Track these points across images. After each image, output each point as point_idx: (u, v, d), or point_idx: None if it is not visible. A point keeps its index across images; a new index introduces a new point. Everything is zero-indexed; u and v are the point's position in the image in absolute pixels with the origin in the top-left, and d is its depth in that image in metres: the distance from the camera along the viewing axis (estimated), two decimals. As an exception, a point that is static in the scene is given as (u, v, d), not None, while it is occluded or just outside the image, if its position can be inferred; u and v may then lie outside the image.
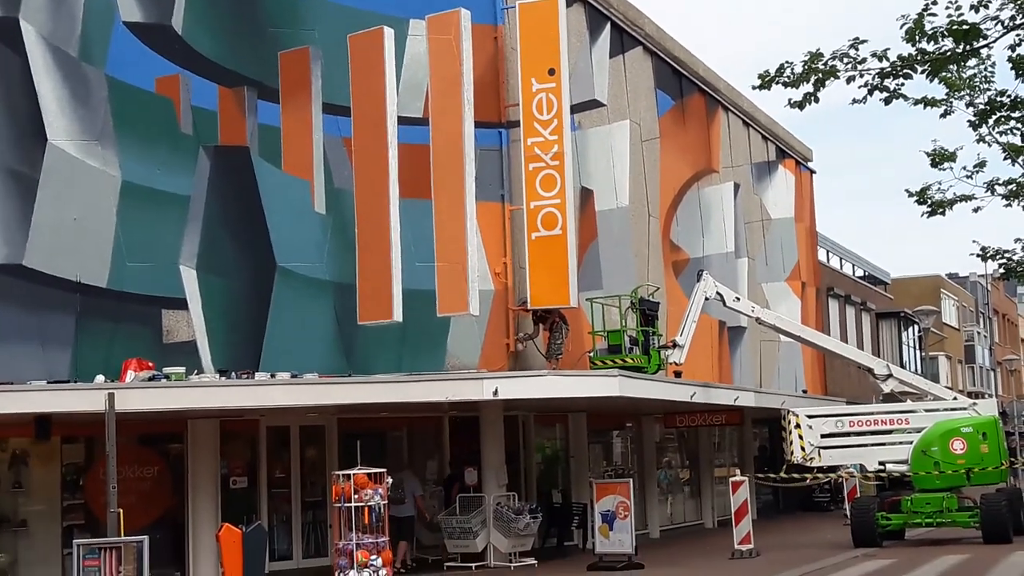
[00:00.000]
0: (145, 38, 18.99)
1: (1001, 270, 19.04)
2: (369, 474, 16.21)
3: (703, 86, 30.11)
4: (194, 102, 19.17)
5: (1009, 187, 17.41)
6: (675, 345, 22.11)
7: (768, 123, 34.97)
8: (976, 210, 17.34)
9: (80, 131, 18.48)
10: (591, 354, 21.48)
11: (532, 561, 20.60)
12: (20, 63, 18.30)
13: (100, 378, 17.22)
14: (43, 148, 18.23)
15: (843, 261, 49.39)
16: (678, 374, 22.46)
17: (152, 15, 19.08)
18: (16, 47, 18.29)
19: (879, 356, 36.00)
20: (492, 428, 21.41)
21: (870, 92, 12.66)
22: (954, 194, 17.26)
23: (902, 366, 42.40)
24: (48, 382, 17.18)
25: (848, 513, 25.07)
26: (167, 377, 17.51)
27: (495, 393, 18.39)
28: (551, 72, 20.22)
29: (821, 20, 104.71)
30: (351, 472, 16.19)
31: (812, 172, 39.44)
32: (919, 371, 46.41)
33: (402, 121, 19.18)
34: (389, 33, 18.96)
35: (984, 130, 15.94)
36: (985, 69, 15.36)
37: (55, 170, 18.24)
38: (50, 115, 18.33)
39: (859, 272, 51.78)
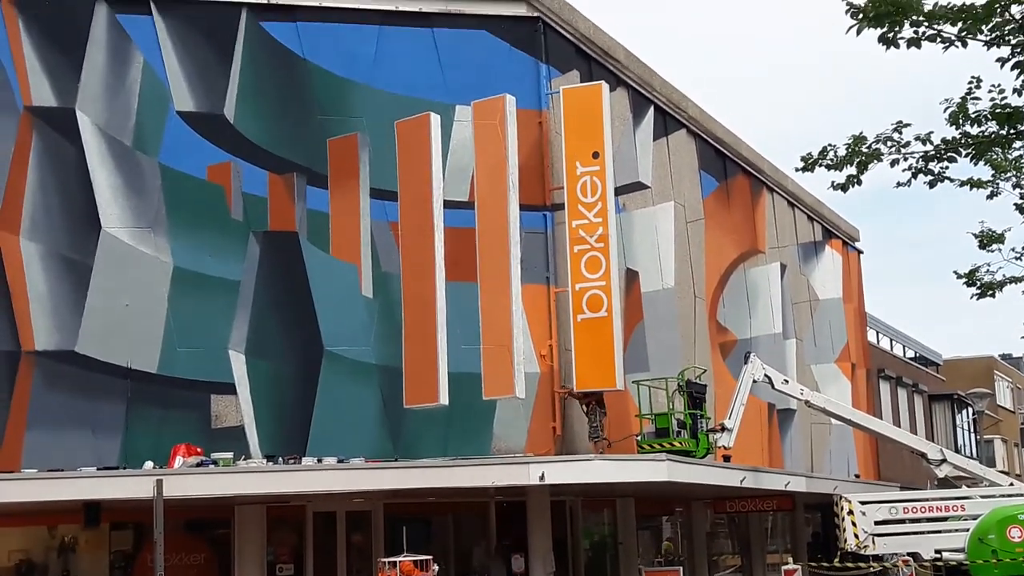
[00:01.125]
0: (198, 127, 19.39)
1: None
2: (415, 561, 16.11)
3: (747, 167, 30.18)
4: (245, 188, 19.49)
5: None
6: (723, 429, 21.91)
7: (814, 203, 34.92)
8: (1027, 291, 17.14)
9: (133, 218, 18.82)
10: (638, 438, 21.33)
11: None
12: (76, 152, 18.75)
13: (149, 464, 17.34)
14: (97, 236, 18.59)
15: (893, 342, 48.91)
16: (727, 458, 22.21)
17: (204, 105, 19.49)
18: (72, 137, 18.75)
19: (932, 440, 35.49)
20: (539, 513, 21.24)
21: (914, 175, 12.66)
22: (1003, 276, 17.09)
23: (956, 450, 41.73)
24: (98, 468, 17.31)
25: (903, 601, 24.51)
26: (215, 463, 17.58)
27: (542, 478, 18.27)
28: (595, 155, 20.36)
29: (864, 101, 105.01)
30: (397, 559, 16.09)
31: (859, 252, 39.26)
32: (974, 455, 45.63)
33: (448, 205, 19.36)
34: (435, 119, 19.22)
35: (1031, 211, 15.80)
36: (1031, 151, 15.30)
37: (109, 257, 18.56)
38: (104, 203, 18.72)
39: (910, 353, 51.22)
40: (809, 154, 12.90)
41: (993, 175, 15.50)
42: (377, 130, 20.04)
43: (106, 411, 18.35)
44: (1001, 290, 16.96)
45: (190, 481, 17.03)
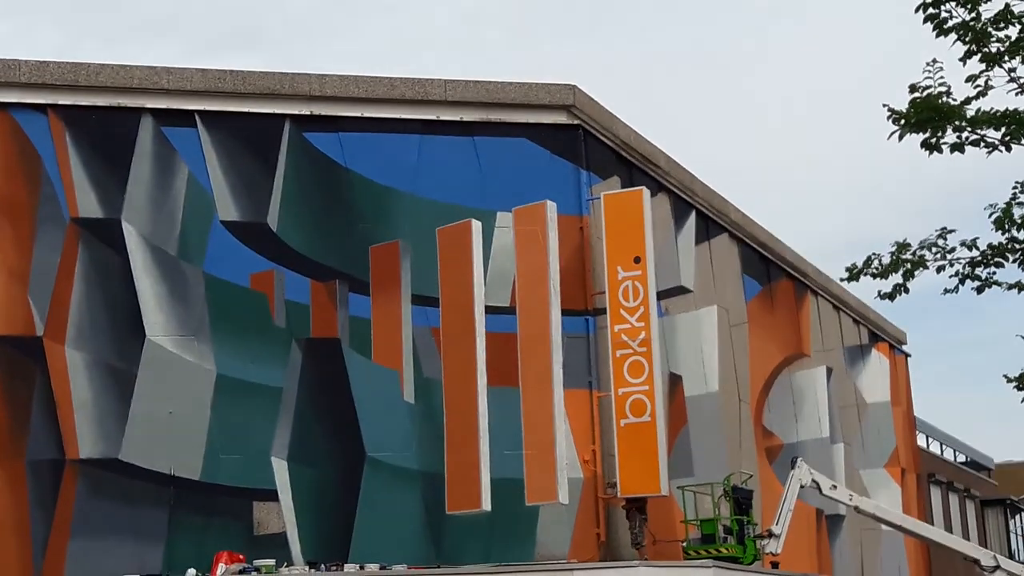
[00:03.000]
0: (241, 236, 19.63)
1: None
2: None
3: (791, 270, 30.10)
4: (287, 296, 19.64)
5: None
6: (771, 535, 21.54)
7: (859, 306, 34.69)
8: (1079, 396, 16.85)
9: (177, 327, 18.99)
10: (684, 544, 21.02)
11: None
12: (121, 262, 19.01)
13: (192, 572, 17.27)
14: (141, 344, 18.75)
15: (944, 447, 48.14)
16: (775, 565, 21.81)
17: (248, 214, 19.75)
18: (118, 247, 19.03)
19: (985, 546, 34.73)
20: (584, 622, 20.84)
21: (961, 281, 12.57)
22: (1054, 379, 16.83)
23: (1010, 556, 40.80)
24: (140, 577, 17.25)
25: None
26: (257, 570, 17.47)
27: (586, 586, 18.01)
28: (637, 260, 20.37)
29: (906, 201, 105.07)
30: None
31: (907, 355, 38.87)
32: (1029, 559, 44.56)
33: (490, 310, 19.39)
34: (477, 226, 19.36)
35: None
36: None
37: (152, 365, 18.70)
38: (149, 312, 18.91)
39: (961, 458, 50.38)
40: (854, 264, 12.88)
41: (1042, 279, 15.35)
42: (418, 237, 20.19)
43: (149, 519, 18.34)
44: (1052, 393, 16.70)
45: (231, 590, 16.90)
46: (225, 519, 18.65)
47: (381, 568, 18.01)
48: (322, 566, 18.00)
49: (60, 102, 19.37)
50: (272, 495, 18.95)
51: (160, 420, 18.60)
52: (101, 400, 18.58)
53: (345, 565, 18.18)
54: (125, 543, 18.18)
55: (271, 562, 17.70)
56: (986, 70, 12.95)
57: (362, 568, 17.98)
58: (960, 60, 13.01)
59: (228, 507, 18.74)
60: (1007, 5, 12.75)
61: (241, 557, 17.70)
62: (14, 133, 19.21)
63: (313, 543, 18.92)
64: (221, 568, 17.43)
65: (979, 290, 12.71)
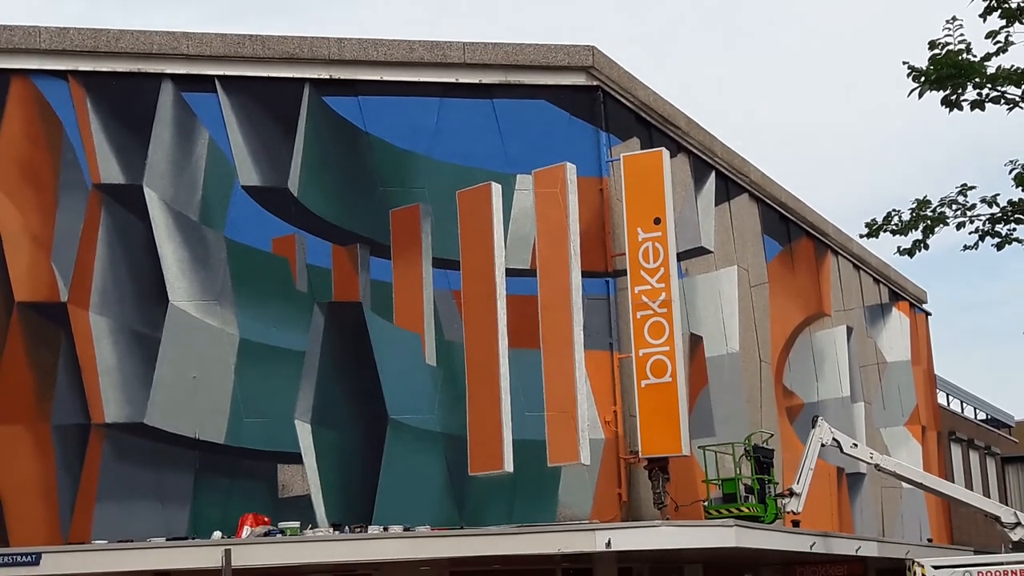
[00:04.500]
0: (262, 201, 19.71)
1: None
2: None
3: (811, 230, 30.04)
4: (309, 260, 19.74)
5: None
6: (792, 493, 21.62)
7: (879, 266, 34.64)
8: (1099, 351, 16.87)
9: (200, 292, 19.13)
10: (706, 503, 21.13)
11: None
12: (143, 228, 19.14)
13: (217, 534, 17.49)
14: (165, 309, 18.92)
15: (964, 404, 48.10)
16: (796, 523, 21.91)
17: (269, 179, 19.82)
18: (140, 213, 19.16)
19: (1006, 503, 34.77)
20: (606, 581, 21.01)
21: (981, 238, 12.56)
22: (1076, 335, 16.82)
23: (1031, 512, 40.75)
24: (167, 539, 17.48)
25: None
26: (282, 532, 17.68)
27: (608, 545, 18.13)
28: (657, 221, 20.38)
29: (927, 161, 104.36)
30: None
31: (927, 314, 38.80)
32: (1050, 517, 44.59)
33: (510, 273, 19.45)
34: (497, 189, 19.39)
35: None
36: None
37: (176, 330, 18.86)
38: (172, 277, 19.06)
39: (981, 415, 50.34)
40: (873, 220, 12.87)
41: (1062, 236, 15.31)
42: (439, 200, 20.23)
43: (174, 482, 18.57)
44: (1073, 350, 16.70)
45: (258, 551, 17.13)
46: (250, 482, 18.85)
47: (404, 529, 18.17)
48: (346, 528, 18.19)
49: (81, 68, 19.44)
50: (296, 458, 19.14)
51: (184, 384, 18.79)
52: (125, 365, 18.76)
53: (369, 527, 18.36)
54: (151, 506, 18.43)
55: (296, 524, 17.91)
56: (1006, 26, 12.89)
57: (386, 529, 18.16)
58: (980, 16, 12.95)
59: (253, 470, 18.93)
60: (1029, -40, 12.67)
61: (266, 519, 17.91)
62: (36, 99, 19.31)
63: (337, 505, 19.11)
64: (246, 530, 17.65)
65: (999, 246, 12.71)
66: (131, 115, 19.51)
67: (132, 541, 17.30)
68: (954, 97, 12.37)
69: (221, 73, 19.90)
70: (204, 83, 19.83)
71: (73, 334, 18.71)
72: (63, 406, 18.56)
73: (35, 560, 16.49)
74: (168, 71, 19.72)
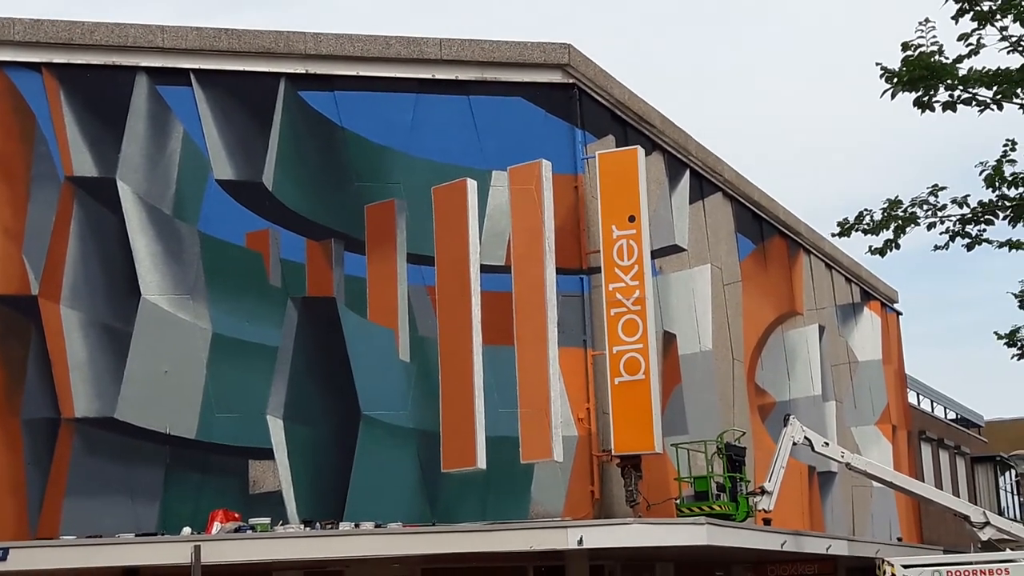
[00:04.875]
0: (236, 195, 19.64)
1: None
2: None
3: (784, 229, 30.16)
4: (283, 255, 19.68)
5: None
6: (763, 491, 21.71)
7: (851, 265, 34.81)
8: (1068, 353, 16.99)
9: (173, 286, 19.04)
10: (678, 501, 21.18)
11: None
12: (116, 221, 19.05)
13: (187, 530, 17.41)
14: (136, 303, 18.83)
15: (934, 404, 48.42)
16: (768, 521, 21.99)
17: (243, 173, 19.75)
18: (113, 206, 19.06)
19: (975, 503, 34.99)
20: (578, 578, 21.03)
21: (952, 238, 12.65)
22: (1045, 336, 16.95)
23: (1000, 513, 41.14)
24: (136, 534, 17.39)
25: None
26: (253, 528, 17.61)
27: (580, 542, 18.15)
28: (631, 219, 20.42)
29: (899, 162, 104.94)
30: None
31: (899, 314, 39.02)
32: (1017, 518, 44.97)
33: (485, 269, 19.46)
34: (472, 185, 19.39)
35: (1072, 272, 15.74)
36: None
37: (148, 324, 18.77)
38: (144, 271, 18.97)
39: (951, 415, 50.69)
40: (846, 219, 12.94)
41: (1032, 236, 15.43)
42: (414, 196, 20.21)
43: (144, 477, 18.48)
44: (1043, 351, 16.83)
45: (228, 547, 17.06)
46: (220, 477, 18.78)
47: (376, 526, 18.14)
48: (317, 524, 18.14)
49: (55, 60, 19.32)
50: (268, 453, 19.08)
51: (156, 379, 18.69)
52: (96, 359, 18.65)
53: (340, 523, 18.32)
54: (121, 501, 18.32)
55: (266, 520, 17.85)
56: (978, 28, 12.98)
57: (357, 526, 18.12)
58: (952, 18, 13.04)
59: (223, 465, 18.86)
60: (1000, -37, 12.76)
61: (236, 515, 17.84)
62: (9, 91, 19.17)
63: (308, 501, 19.06)
64: (216, 526, 17.58)
65: (969, 247, 12.81)
66: (105, 108, 19.39)
67: (101, 537, 17.20)
68: (926, 98, 12.46)
69: (196, 67, 19.82)
70: (179, 76, 19.73)
71: (44, 327, 18.59)
72: (33, 400, 18.44)
73: (2, 555, 16.38)
74: (143, 64, 19.62)
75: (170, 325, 18.91)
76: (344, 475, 19.39)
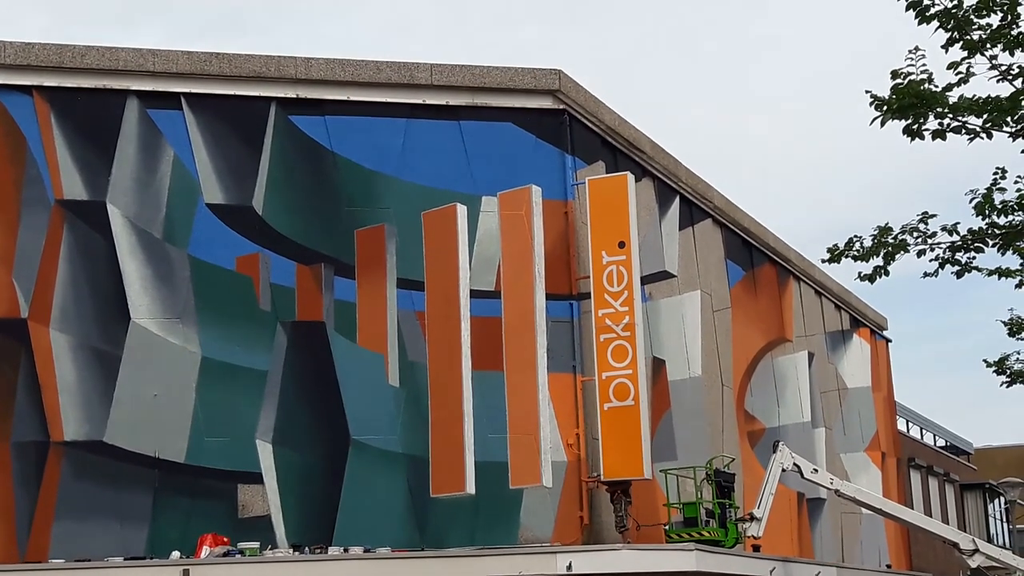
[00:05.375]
0: (227, 219, 19.65)
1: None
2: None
3: (774, 256, 30.24)
4: (273, 279, 19.68)
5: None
6: (752, 518, 21.69)
7: (841, 292, 34.89)
8: (1057, 381, 17.06)
9: (162, 310, 19.02)
10: (666, 527, 21.16)
11: None
12: (106, 245, 19.04)
13: (176, 554, 17.34)
14: (126, 326, 18.80)
15: (924, 431, 48.48)
16: (757, 548, 21.97)
17: (234, 197, 19.77)
18: (103, 230, 19.06)
19: (964, 530, 34.99)
20: (567, 604, 20.96)
21: (941, 265, 12.71)
22: (1034, 364, 17.01)
23: (989, 540, 41.12)
24: (125, 558, 17.31)
25: None
26: (241, 552, 17.56)
27: (569, 567, 18.11)
28: (621, 245, 20.47)
29: (889, 189, 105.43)
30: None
31: (888, 340, 39.10)
32: (1007, 545, 44.97)
33: (475, 295, 19.47)
34: (462, 210, 19.42)
35: (1061, 301, 15.82)
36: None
37: (137, 348, 18.73)
38: (134, 294, 18.95)
39: (941, 442, 50.73)
40: (835, 246, 12.99)
41: (1021, 264, 15.50)
42: (404, 221, 20.24)
43: (133, 501, 18.40)
44: (1031, 378, 16.89)
45: (217, 571, 17.01)
46: (210, 501, 18.71)
47: (365, 551, 18.09)
48: (306, 549, 18.09)
49: (45, 84, 19.34)
50: (257, 478, 19.02)
51: (145, 403, 18.64)
52: (86, 382, 18.61)
53: (329, 548, 18.27)
54: (109, 525, 18.24)
55: (255, 545, 17.79)
56: (968, 57, 13.06)
57: (346, 551, 18.07)
58: (942, 47, 13.13)
59: (213, 490, 18.80)
60: (989, -8, 12.86)
61: (225, 540, 17.78)
62: (-1, 115, 19.17)
63: (297, 526, 19.00)
64: (205, 550, 17.51)
65: (959, 274, 12.86)
66: (96, 131, 19.41)
67: (90, 560, 17.11)
68: (916, 126, 12.53)
69: (187, 90, 19.85)
70: (170, 100, 19.77)
71: (33, 351, 18.55)
72: (22, 423, 18.37)
73: (-10, 579, 16.30)
74: (134, 88, 19.65)
75: (160, 349, 18.88)
76: (333, 500, 19.33)
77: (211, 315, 19.22)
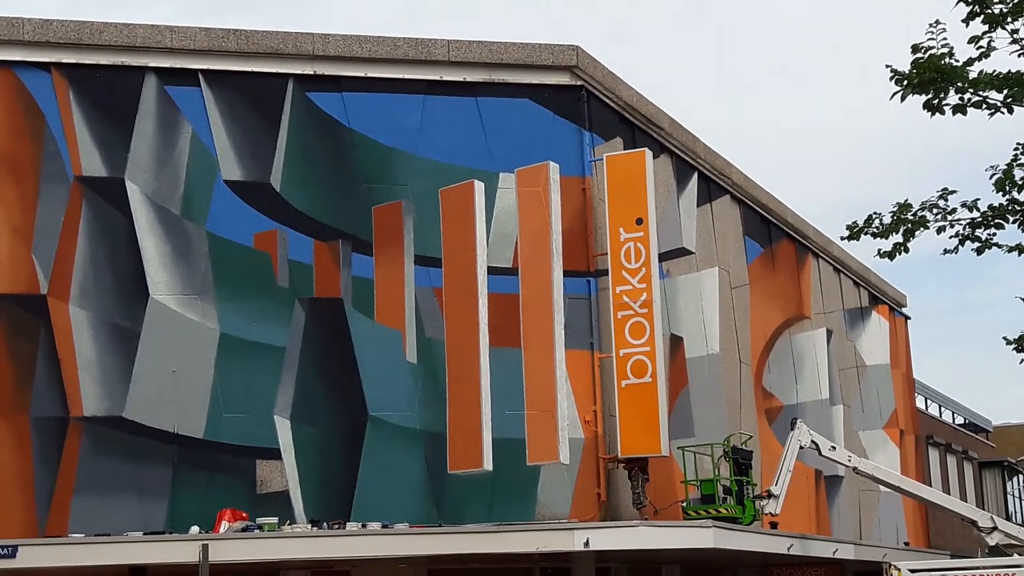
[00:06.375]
0: (245, 195, 19.67)
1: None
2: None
3: (792, 233, 30.14)
4: (290, 256, 19.70)
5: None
6: (770, 495, 21.70)
7: (860, 269, 34.77)
8: (1078, 359, 16.91)
9: (181, 286, 19.07)
10: (684, 504, 21.17)
11: None
12: (125, 221, 19.09)
13: (195, 529, 17.43)
14: (145, 303, 18.87)
15: (942, 408, 48.35)
16: (774, 525, 21.97)
17: (252, 174, 19.78)
18: (121, 206, 19.10)
19: (983, 507, 34.91)
20: (584, 580, 21.02)
21: (961, 242, 12.62)
22: (1054, 341, 16.88)
23: (1007, 517, 41.03)
24: (144, 533, 17.42)
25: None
26: (260, 528, 17.63)
27: (586, 544, 18.13)
28: (639, 222, 20.41)
29: (909, 165, 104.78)
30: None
31: (907, 318, 38.97)
32: (1026, 521, 44.79)
33: (492, 271, 19.46)
34: (479, 187, 19.39)
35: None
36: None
37: (156, 324, 18.80)
38: (152, 271, 19.00)
39: (959, 420, 50.60)
40: (855, 223, 12.90)
41: (1042, 241, 15.38)
42: (421, 198, 20.23)
43: (153, 476, 18.51)
44: (1051, 355, 16.76)
45: (235, 546, 17.07)
46: (228, 477, 18.80)
47: (383, 527, 18.15)
48: (324, 524, 18.15)
49: (64, 60, 19.37)
50: (275, 453, 19.10)
51: (164, 379, 18.73)
52: (105, 358, 18.69)
53: (347, 523, 18.33)
54: (129, 500, 18.36)
55: (274, 520, 17.86)
56: (989, 31, 12.95)
57: (364, 527, 18.12)
58: (963, 21, 13.02)
59: (231, 465, 18.88)
60: (1011, -34, 12.74)
61: (244, 515, 17.86)
62: (18, 91, 19.23)
63: (315, 501, 19.08)
64: (224, 525, 17.60)
65: (979, 251, 12.76)
66: (114, 108, 19.44)
67: (109, 535, 17.22)
68: (936, 101, 12.44)
69: (205, 67, 19.87)
70: (188, 77, 19.78)
71: (53, 327, 18.64)
72: (42, 399, 18.48)
73: (11, 553, 16.40)
74: (151, 64, 19.67)
75: (178, 325, 18.95)
76: (351, 476, 19.40)
77: (229, 291, 19.27)
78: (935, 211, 12.36)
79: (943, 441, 42.52)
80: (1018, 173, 12.26)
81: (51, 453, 18.37)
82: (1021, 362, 16.71)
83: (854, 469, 24.41)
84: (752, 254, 27.92)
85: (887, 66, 13.13)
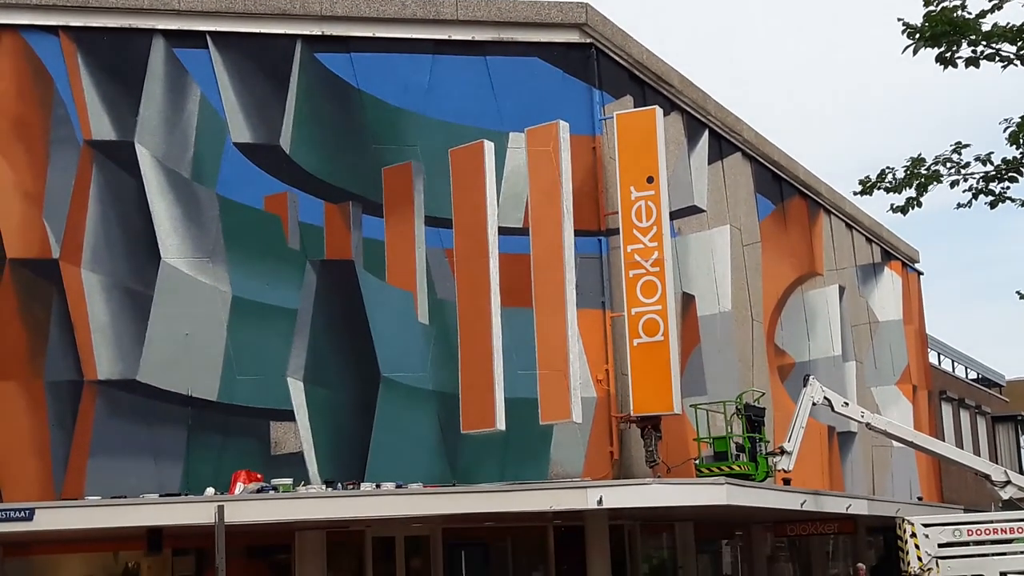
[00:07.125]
0: (254, 158, 19.64)
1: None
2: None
3: (804, 189, 30.02)
4: (301, 218, 19.70)
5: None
6: (783, 452, 21.73)
7: (872, 225, 34.65)
8: (1090, 311, 16.90)
9: (192, 249, 19.09)
10: (697, 461, 21.22)
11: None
12: (135, 185, 19.09)
13: (210, 490, 17.53)
14: (157, 266, 18.91)
15: (955, 363, 48.30)
16: (787, 481, 22.01)
17: (261, 136, 19.74)
18: (131, 170, 19.10)
19: (996, 462, 34.93)
20: (597, 538, 21.14)
21: (975, 196, 12.56)
22: (1067, 294, 16.81)
23: (1020, 471, 41.01)
24: (160, 495, 17.54)
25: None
26: (275, 489, 17.73)
27: (599, 502, 18.22)
28: (650, 180, 20.35)
29: (922, 119, 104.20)
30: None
31: (919, 273, 38.86)
32: (1039, 476, 44.71)
33: (503, 231, 19.43)
34: (489, 146, 19.33)
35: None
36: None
37: (168, 287, 18.84)
38: (164, 234, 19.02)
39: (972, 375, 50.55)
40: (867, 177, 12.84)
41: (1055, 194, 15.32)
42: (431, 158, 20.18)
43: (167, 438, 18.61)
44: (1064, 310, 16.72)
45: (251, 507, 17.18)
46: (242, 439, 18.89)
47: (397, 487, 18.24)
48: (339, 484, 18.25)
49: (71, 23, 19.31)
50: (289, 415, 19.18)
51: (177, 341, 18.79)
52: (118, 322, 18.75)
53: (361, 484, 18.43)
54: (144, 462, 18.47)
55: (288, 481, 17.96)
56: (1003, -17, 12.81)
57: (378, 487, 18.22)
58: (977, -27, 12.92)
59: (245, 427, 18.97)
60: (1025, -83, 12.60)
61: (259, 476, 17.96)
62: (26, 55, 19.19)
63: (329, 462, 19.17)
64: (239, 487, 17.70)
65: (992, 205, 12.70)
66: (122, 71, 19.39)
67: (125, 497, 17.34)
68: (949, 54, 12.36)
69: (213, 29, 19.78)
70: (196, 39, 19.71)
71: (65, 291, 18.69)
72: (56, 362, 18.56)
73: (28, 516, 16.53)
74: (159, 27, 19.59)
75: (190, 288, 18.99)
76: (364, 436, 19.48)
77: (240, 254, 19.29)
78: (948, 165, 12.28)
79: (956, 396, 42.52)
80: (1032, 126, 12.18)
81: (66, 417, 18.46)
82: (1034, 316, 16.66)
83: (867, 425, 24.43)
84: (764, 211, 27.84)
85: (899, 19, 13.03)
